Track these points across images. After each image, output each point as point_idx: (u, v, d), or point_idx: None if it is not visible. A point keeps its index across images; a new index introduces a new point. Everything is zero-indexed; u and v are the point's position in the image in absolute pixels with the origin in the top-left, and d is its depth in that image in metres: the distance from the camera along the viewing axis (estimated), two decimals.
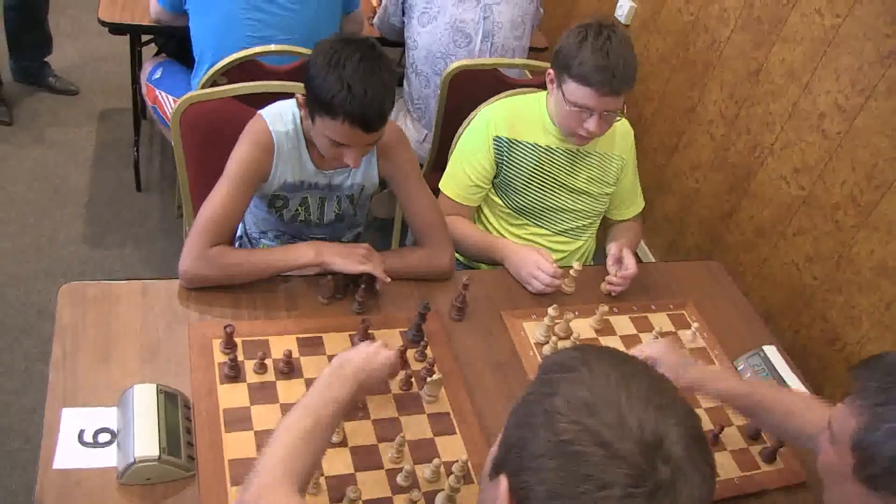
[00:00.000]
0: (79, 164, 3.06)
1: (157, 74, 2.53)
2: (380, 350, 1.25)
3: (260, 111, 1.63)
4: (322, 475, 1.26)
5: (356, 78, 1.43)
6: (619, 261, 1.84)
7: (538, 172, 1.94)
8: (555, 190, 1.97)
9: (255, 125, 1.60)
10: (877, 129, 2.01)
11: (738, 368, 1.74)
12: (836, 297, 2.15)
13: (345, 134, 1.48)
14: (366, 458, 1.33)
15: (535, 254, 1.79)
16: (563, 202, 1.98)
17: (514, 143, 1.91)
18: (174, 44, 2.66)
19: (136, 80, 2.75)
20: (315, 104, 1.48)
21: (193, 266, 1.50)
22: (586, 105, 1.76)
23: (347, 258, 1.55)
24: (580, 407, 0.71)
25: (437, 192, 1.93)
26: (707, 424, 1.60)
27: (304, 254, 1.55)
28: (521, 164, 1.92)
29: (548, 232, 2.01)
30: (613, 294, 1.83)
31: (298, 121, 1.63)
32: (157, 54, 2.80)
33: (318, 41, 1.51)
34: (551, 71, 1.83)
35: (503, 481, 0.75)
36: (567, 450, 0.69)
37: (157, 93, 2.48)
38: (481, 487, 0.86)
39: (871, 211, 2.03)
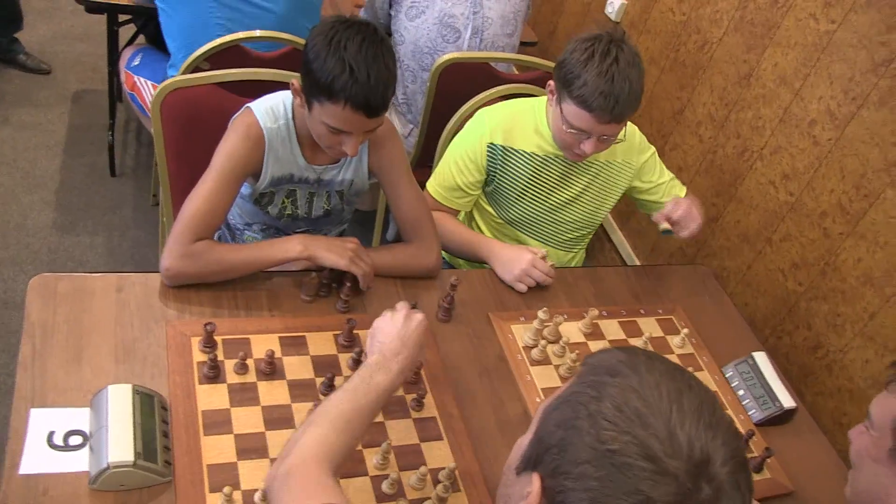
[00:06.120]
0: (50, 147, 2.96)
1: (136, 61, 2.45)
2: (410, 318, 1.25)
3: (249, 104, 1.56)
4: None
5: (359, 60, 1.36)
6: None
7: (533, 182, 1.88)
8: (549, 201, 1.91)
9: (245, 119, 1.54)
10: (867, 138, 1.99)
11: (727, 375, 1.72)
12: (821, 305, 2.14)
13: (346, 120, 1.41)
14: (350, 465, 1.28)
15: (527, 252, 1.75)
16: (558, 213, 1.94)
17: (508, 151, 1.84)
18: (154, 26, 2.58)
19: (112, 62, 2.66)
20: (314, 89, 1.41)
21: (177, 263, 1.43)
22: (583, 129, 1.69)
23: (337, 254, 1.49)
24: (631, 416, 0.68)
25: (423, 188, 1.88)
26: None
27: (292, 248, 1.49)
28: (516, 172, 1.87)
29: (540, 244, 1.96)
30: (669, 225, 1.83)
31: (290, 114, 1.56)
32: (135, 36, 2.72)
33: (315, 25, 1.44)
34: (552, 83, 1.75)
35: (536, 480, 0.73)
36: (614, 460, 0.67)
37: (136, 79, 2.40)
38: (504, 480, 0.83)
39: (859, 220, 2.02)
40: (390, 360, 1.18)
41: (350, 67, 1.36)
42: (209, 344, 1.36)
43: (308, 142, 1.59)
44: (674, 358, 1.72)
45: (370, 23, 1.44)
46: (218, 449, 1.23)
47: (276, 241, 1.53)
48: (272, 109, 1.55)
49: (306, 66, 1.41)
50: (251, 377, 1.36)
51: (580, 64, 1.63)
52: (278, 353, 1.41)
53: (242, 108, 1.56)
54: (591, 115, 1.64)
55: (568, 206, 1.93)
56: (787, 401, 1.65)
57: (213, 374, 1.32)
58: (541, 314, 1.61)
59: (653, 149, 2.00)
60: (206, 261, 1.45)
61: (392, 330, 1.23)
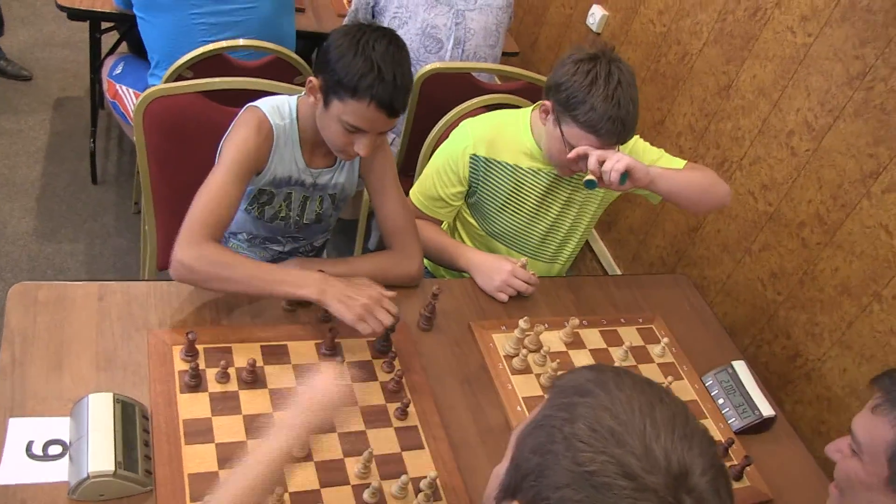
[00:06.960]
0: (30, 154, 2.94)
1: (119, 70, 2.45)
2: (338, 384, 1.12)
3: (255, 103, 1.57)
4: (286, 491, 1.21)
5: (386, 60, 1.42)
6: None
7: (515, 195, 1.88)
8: (531, 214, 1.91)
9: (253, 114, 1.55)
10: (843, 149, 2.03)
11: (707, 384, 1.73)
12: (799, 314, 2.16)
13: (367, 118, 1.45)
14: (332, 474, 1.28)
15: (506, 262, 1.76)
16: (540, 226, 1.94)
17: (491, 163, 1.84)
18: (137, 33, 2.58)
19: (94, 69, 2.65)
20: (337, 86, 1.44)
21: (189, 256, 1.37)
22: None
23: (347, 307, 1.40)
24: (606, 435, 0.68)
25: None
26: None
27: (307, 290, 1.41)
28: (498, 184, 1.87)
29: (523, 257, 1.97)
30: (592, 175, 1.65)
31: (294, 114, 1.58)
32: (117, 43, 2.71)
33: (337, 27, 1.49)
34: (548, 103, 1.71)
35: None
36: (593, 482, 0.67)
37: (118, 88, 2.40)
38: None
39: (836, 230, 2.05)
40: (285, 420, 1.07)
41: (378, 67, 1.41)
42: (191, 352, 1.35)
43: (308, 145, 1.61)
44: (654, 367, 1.74)
45: (391, 29, 1.49)
46: (199, 458, 1.22)
47: (293, 271, 1.46)
48: (278, 108, 1.57)
49: (329, 64, 1.44)
50: (233, 386, 1.35)
51: (584, 88, 1.61)
52: (260, 362, 1.40)
53: (245, 107, 1.57)
54: (598, 139, 1.64)
55: (551, 218, 1.93)
56: (766, 409, 1.67)
57: (195, 382, 1.32)
58: (522, 323, 1.62)
59: (635, 136, 1.93)
60: (217, 262, 1.39)
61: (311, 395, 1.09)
